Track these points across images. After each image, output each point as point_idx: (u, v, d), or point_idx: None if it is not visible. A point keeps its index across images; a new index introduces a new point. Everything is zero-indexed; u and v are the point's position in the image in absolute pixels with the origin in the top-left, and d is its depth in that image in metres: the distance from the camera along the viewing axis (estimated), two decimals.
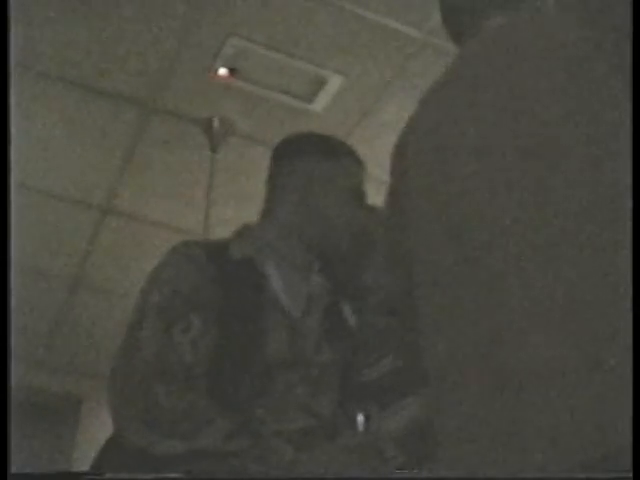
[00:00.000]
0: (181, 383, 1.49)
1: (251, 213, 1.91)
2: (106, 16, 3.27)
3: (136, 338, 1.54)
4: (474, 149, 1.29)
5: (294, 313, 1.66)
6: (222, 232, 3.94)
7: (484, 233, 1.20)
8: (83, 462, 5.51)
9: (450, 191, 1.29)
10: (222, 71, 3.46)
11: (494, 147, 1.27)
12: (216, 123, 3.67)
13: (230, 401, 1.52)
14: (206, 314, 1.56)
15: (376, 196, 4.09)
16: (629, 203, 1.07)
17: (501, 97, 1.31)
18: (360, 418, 1.72)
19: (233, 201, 3.95)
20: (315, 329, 1.68)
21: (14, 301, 4.38)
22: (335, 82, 3.55)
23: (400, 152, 1.54)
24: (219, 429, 1.44)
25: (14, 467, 1.36)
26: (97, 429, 5.62)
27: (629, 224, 1.07)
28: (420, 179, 1.38)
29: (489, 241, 1.19)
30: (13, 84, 3.58)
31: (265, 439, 1.46)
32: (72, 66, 3.48)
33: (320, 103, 3.65)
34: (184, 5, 3.21)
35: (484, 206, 1.22)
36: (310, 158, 1.80)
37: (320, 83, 3.56)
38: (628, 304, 1.03)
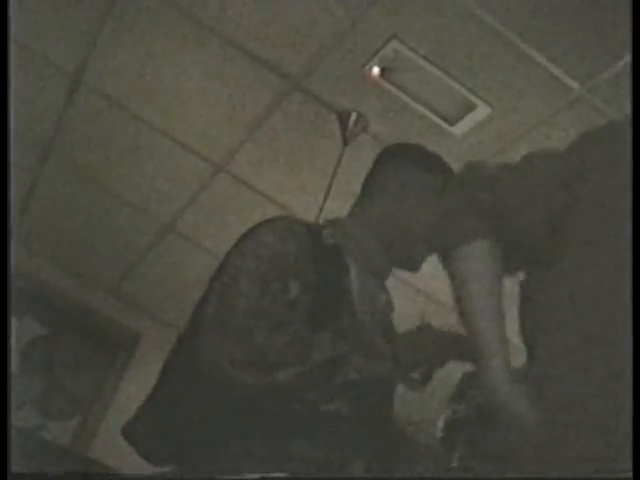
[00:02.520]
0: (280, 323, 1.58)
1: None
2: None
3: (234, 294, 1.63)
4: None
5: (361, 315, 1.74)
6: None
7: None
8: (127, 397, 5.63)
9: None
10: (375, 70, 3.44)
11: None
12: (353, 117, 3.65)
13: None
14: (303, 280, 1.65)
15: None
16: None
17: None
18: None
19: (348, 199, 3.93)
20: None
21: (108, 228, 4.43)
22: (482, 112, 3.50)
23: None
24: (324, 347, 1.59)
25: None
26: (149, 369, 5.72)
27: None
28: None
29: None
30: (167, 31, 3.58)
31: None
32: (227, 20, 3.49)
33: (461, 128, 3.60)
34: None
35: None
36: (409, 168, 1.92)
37: (467, 109, 3.51)
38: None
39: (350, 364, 1.58)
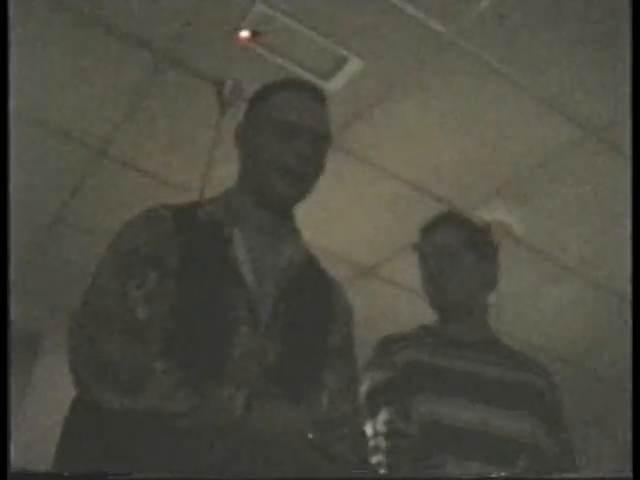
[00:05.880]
0: (129, 337, 1.50)
1: None
2: None
3: (91, 295, 1.58)
4: None
5: (250, 281, 1.65)
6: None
7: None
8: (36, 402, 5.46)
9: None
10: (244, 34, 3.40)
11: None
12: (229, 85, 3.62)
13: (184, 356, 1.52)
14: (163, 269, 1.58)
15: (377, 182, 4.05)
16: None
17: None
18: None
19: (234, 165, 3.90)
20: (271, 296, 1.66)
21: None
22: (355, 65, 3.51)
23: None
24: (163, 385, 1.43)
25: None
26: (55, 366, 5.59)
27: None
28: None
29: None
30: (16, 11, 3.48)
31: (213, 396, 1.44)
32: (93, 3, 3.39)
33: (336, 83, 3.60)
34: None
35: None
36: (259, 103, 1.82)
37: (340, 63, 3.52)
38: None
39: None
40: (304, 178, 1.73)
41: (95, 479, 1.27)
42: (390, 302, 5.15)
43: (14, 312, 5.33)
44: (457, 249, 2.18)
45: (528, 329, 5.18)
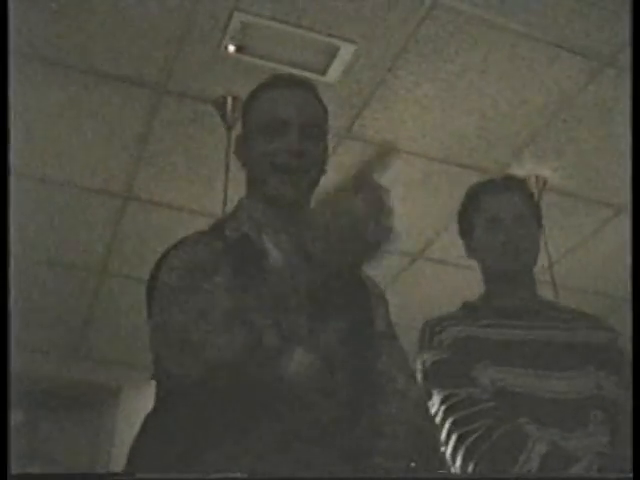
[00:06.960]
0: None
1: None
2: None
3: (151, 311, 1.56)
4: None
5: (297, 284, 1.58)
6: None
7: None
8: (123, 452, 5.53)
9: None
10: (231, 48, 3.39)
11: None
12: (229, 101, 3.60)
13: None
14: (217, 279, 1.52)
15: (404, 165, 3.96)
16: None
17: None
18: None
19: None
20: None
21: (45, 296, 4.36)
22: (347, 51, 3.45)
23: None
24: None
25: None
26: (136, 418, 5.64)
27: None
28: None
29: None
30: (13, 72, 3.52)
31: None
32: (77, 51, 3.41)
33: (333, 74, 3.54)
34: None
35: None
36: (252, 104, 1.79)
37: (332, 53, 3.46)
38: None
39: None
40: (300, 172, 1.69)
41: (97, 479, 1.24)
42: (448, 280, 5.04)
43: (86, 373, 5.39)
44: (527, 214, 2.16)
45: (590, 277, 5.04)
